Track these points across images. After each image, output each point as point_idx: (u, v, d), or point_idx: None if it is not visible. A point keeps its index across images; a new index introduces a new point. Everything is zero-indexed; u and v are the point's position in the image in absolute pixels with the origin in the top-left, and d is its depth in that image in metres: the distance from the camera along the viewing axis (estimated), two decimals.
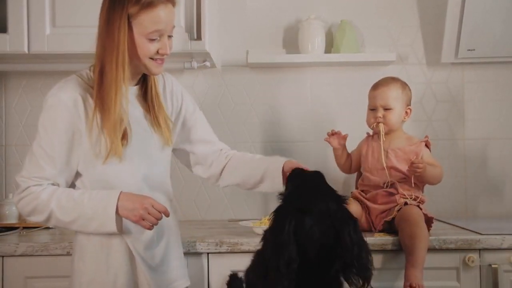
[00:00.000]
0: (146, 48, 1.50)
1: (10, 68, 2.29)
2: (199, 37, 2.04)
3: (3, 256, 1.80)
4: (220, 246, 1.79)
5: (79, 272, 1.55)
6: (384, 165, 1.89)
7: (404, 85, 1.98)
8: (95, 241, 1.52)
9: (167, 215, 1.49)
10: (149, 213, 1.45)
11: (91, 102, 1.50)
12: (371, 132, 2.03)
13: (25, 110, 2.38)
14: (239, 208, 2.39)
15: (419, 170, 1.82)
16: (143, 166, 1.57)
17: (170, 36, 1.55)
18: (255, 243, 1.78)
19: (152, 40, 1.50)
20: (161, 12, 1.48)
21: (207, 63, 2.27)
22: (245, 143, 2.39)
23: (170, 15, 1.51)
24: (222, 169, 1.77)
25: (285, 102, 2.40)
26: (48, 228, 2.11)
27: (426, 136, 1.99)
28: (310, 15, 2.33)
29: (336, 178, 2.38)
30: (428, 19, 2.40)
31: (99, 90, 1.48)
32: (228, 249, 1.79)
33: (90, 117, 1.48)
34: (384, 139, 1.91)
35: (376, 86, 1.97)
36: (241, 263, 1.78)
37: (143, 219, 1.45)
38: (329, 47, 2.37)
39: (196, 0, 2.03)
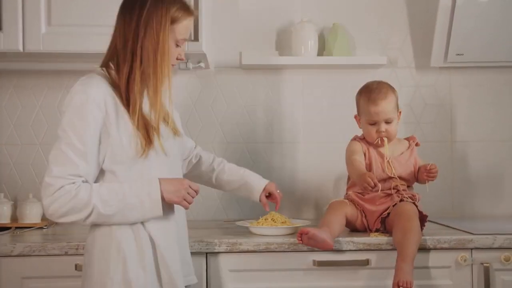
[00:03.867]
0: (172, 53, 1.58)
1: (1, 66, 2.26)
2: (196, 38, 2.05)
3: None
4: (219, 246, 1.80)
5: (107, 271, 1.48)
6: (396, 175, 1.92)
7: (394, 91, 1.97)
8: (129, 239, 1.50)
9: (198, 193, 1.60)
10: (188, 193, 1.55)
11: (117, 99, 1.51)
12: (359, 134, 2.06)
13: (16, 110, 2.35)
14: (231, 208, 2.40)
15: (436, 175, 1.92)
16: (169, 159, 1.61)
17: None
18: (254, 243, 1.81)
19: (178, 46, 1.59)
20: (192, 22, 1.61)
21: (202, 64, 2.28)
22: (238, 144, 2.41)
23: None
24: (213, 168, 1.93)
25: (277, 104, 2.43)
26: (41, 228, 2.10)
27: (414, 137, 2.03)
28: (303, 18, 2.36)
29: (328, 179, 2.42)
30: (417, 24, 2.45)
31: (142, 89, 1.54)
32: (227, 248, 1.80)
33: (124, 114, 1.51)
34: (388, 152, 1.94)
35: (375, 101, 1.91)
36: (240, 263, 1.82)
37: (184, 199, 1.54)
38: (321, 49, 2.40)
39: (194, 1, 2.04)
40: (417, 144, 2.02)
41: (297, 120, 2.43)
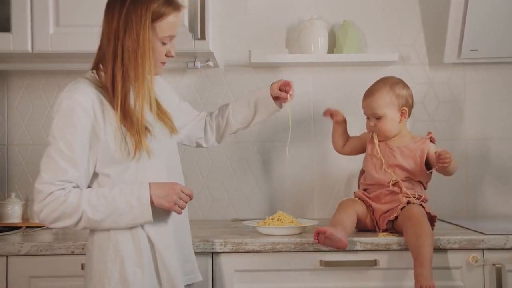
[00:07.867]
0: (159, 50, 1.55)
1: (13, 67, 2.28)
2: (202, 37, 2.03)
3: (7, 256, 1.79)
4: (225, 246, 1.79)
5: (105, 271, 1.49)
6: (383, 166, 1.90)
7: (394, 87, 1.93)
8: (127, 239, 1.50)
9: (192, 198, 1.55)
10: (179, 198, 1.51)
11: (105, 102, 1.51)
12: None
13: (27, 110, 2.37)
14: (241, 207, 2.39)
15: (447, 160, 1.81)
16: (165, 159, 1.60)
17: None
18: (260, 243, 1.79)
19: (164, 43, 1.56)
20: (178, 17, 1.56)
21: (210, 63, 2.27)
22: (247, 142, 2.39)
23: (180, 20, 1.59)
24: (226, 122, 1.91)
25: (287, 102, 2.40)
26: (51, 228, 2.11)
27: (430, 132, 1.97)
28: (313, 15, 2.33)
29: (338, 178, 2.39)
30: (430, 20, 2.41)
31: (125, 90, 1.51)
32: (232, 248, 1.79)
33: (112, 117, 1.50)
34: (378, 148, 1.93)
35: (364, 96, 1.98)
36: (246, 263, 1.80)
37: (175, 204, 1.50)
38: (332, 47, 2.37)
39: (200, 0, 2.03)
40: (432, 140, 1.95)
41: (308, 118, 2.40)
